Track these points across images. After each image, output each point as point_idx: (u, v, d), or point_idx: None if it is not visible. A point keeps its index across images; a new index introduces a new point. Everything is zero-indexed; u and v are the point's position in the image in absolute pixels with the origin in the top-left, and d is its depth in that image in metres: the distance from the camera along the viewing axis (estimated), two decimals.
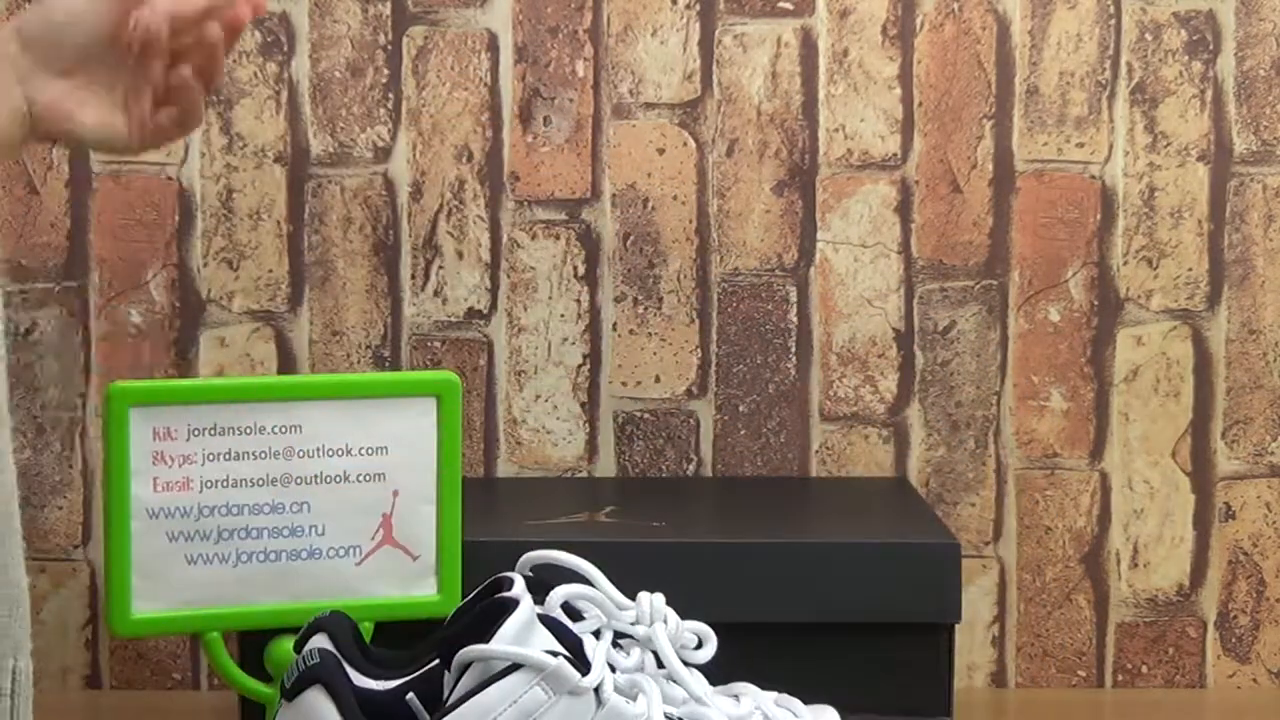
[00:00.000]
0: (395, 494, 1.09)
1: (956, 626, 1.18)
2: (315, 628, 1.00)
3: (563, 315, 1.39)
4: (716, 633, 1.03)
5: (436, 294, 1.39)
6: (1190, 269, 1.39)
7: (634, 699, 0.97)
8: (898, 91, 1.39)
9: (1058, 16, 1.38)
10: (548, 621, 0.97)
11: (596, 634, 0.99)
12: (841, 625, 1.16)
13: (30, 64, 1.01)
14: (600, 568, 1.01)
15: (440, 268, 1.39)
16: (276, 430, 1.06)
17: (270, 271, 1.39)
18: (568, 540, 1.11)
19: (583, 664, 0.96)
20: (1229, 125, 1.39)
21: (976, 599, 1.40)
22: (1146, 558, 1.40)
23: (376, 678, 1.00)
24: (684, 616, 1.02)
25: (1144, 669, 1.40)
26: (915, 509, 1.28)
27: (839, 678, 1.14)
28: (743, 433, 1.40)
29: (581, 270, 1.39)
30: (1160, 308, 1.40)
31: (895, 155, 1.39)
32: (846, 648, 1.16)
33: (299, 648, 1.00)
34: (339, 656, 0.98)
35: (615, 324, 1.40)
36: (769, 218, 1.39)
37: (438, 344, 1.40)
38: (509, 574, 1.00)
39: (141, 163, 1.38)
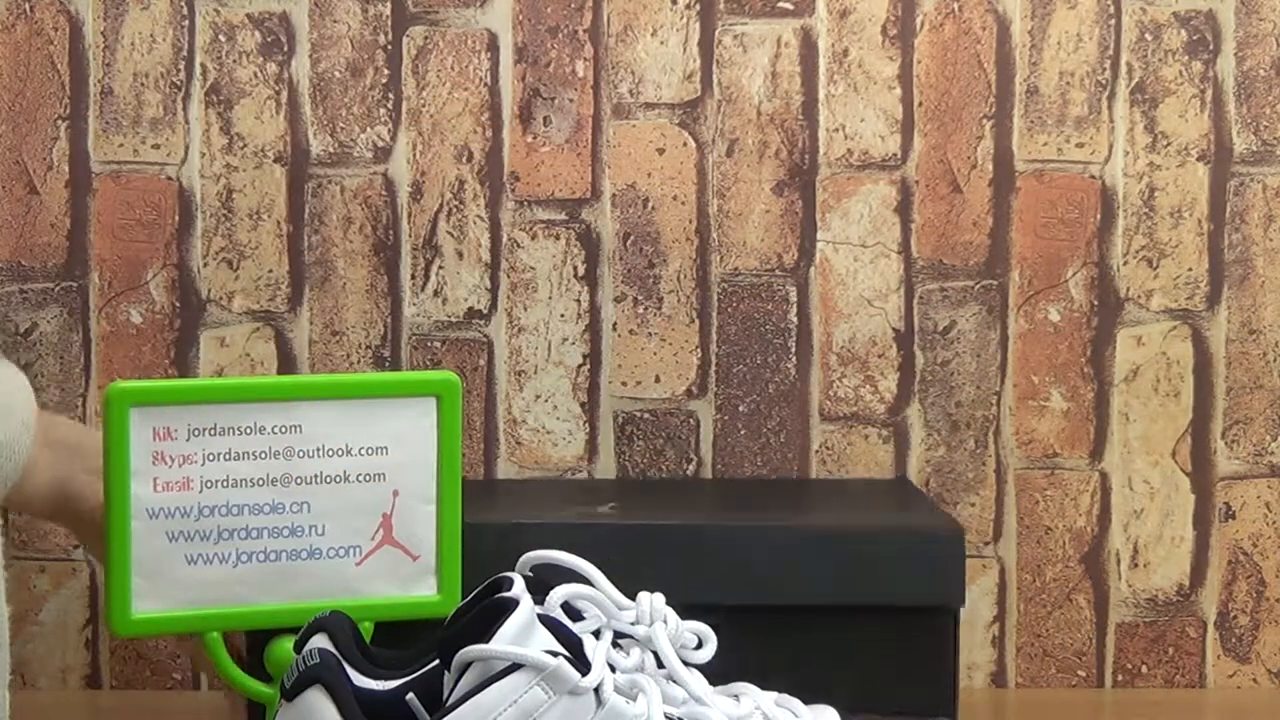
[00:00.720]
0: (395, 494, 1.09)
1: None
2: (315, 628, 1.00)
3: (563, 315, 1.39)
4: (719, 617, 1.02)
5: (436, 294, 1.39)
6: (1190, 269, 1.39)
7: (634, 699, 0.97)
8: (898, 91, 1.39)
9: (1058, 16, 1.38)
10: (548, 621, 0.97)
11: (596, 634, 0.99)
12: (844, 609, 1.15)
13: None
14: (602, 553, 1.01)
15: (440, 268, 1.39)
16: (276, 430, 1.06)
17: (270, 271, 1.39)
18: (569, 523, 1.11)
19: (583, 664, 0.96)
20: (1229, 125, 1.39)
21: (976, 599, 1.40)
22: (1146, 558, 1.40)
23: (376, 678, 1.00)
24: (686, 600, 1.02)
25: (1144, 669, 1.40)
26: (917, 503, 1.28)
27: (841, 663, 1.14)
28: (743, 433, 1.40)
29: (581, 270, 1.39)
30: (1160, 308, 1.40)
31: (895, 155, 1.39)
32: (849, 631, 1.15)
33: (299, 648, 1.00)
34: (339, 656, 0.98)
35: (615, 324, 1.39)
36: (769, 218, 1.39)
37: (438, 344, 1.40)
38: (509, 574, 0.99)
39: (141, 163, 1.38)
